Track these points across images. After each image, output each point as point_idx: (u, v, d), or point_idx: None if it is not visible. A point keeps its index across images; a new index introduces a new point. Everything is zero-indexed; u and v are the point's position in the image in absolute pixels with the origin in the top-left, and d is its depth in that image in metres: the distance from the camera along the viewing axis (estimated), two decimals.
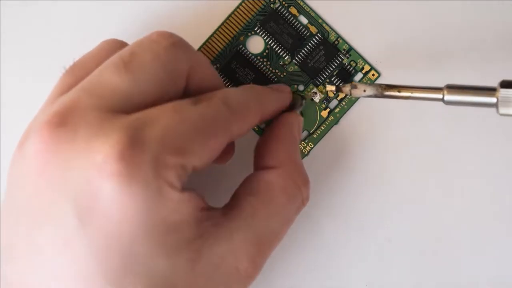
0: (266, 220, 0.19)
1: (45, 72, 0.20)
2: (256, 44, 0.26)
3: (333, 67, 0.25)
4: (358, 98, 0.25)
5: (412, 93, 0.21)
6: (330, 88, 0.23)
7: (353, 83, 0.22)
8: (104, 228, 0.16)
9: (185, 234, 0.17)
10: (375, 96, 0.21)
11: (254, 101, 0.21)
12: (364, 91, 0.22)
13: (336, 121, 0.26)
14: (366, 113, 0.26)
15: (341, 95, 0.25)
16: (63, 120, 0.16)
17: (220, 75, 0.25)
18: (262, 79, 0.25)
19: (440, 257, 0.25)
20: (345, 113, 0.26)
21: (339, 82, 0.25)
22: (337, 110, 0.26)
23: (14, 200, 0.17)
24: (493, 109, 0.20)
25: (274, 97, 0.22)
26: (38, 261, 0.16)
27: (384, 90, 0.21)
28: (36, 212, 0.16)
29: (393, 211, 0.25)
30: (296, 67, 0.25)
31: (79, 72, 0.19)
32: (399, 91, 0.21)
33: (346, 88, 0.22)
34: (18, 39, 0.26)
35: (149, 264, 0.16)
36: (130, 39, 0.21)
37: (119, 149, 0.16)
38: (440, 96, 0.20)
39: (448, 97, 0.20)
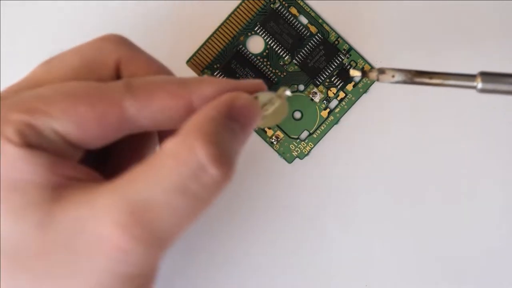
0: (145, 186, 0.17)
1: None
2: (256, 44, 0.26)
3: (333, 67, 0.25)
4: (361, 96, 0.25)
5: (444, 80, 0.20)
6: (356, 73, 0.21)
7: (381, 68, 0.21)
8: None
9: (32, 196, 0.16)
10: (404, 82, 0.20)
11: (171, 83, 0.18)
12: (393, 76, 0.20)
13: (336, 121, 0.26)
14: (367, 113, 0.26)
15: (341, 95, 0.25)
16: None
17: (220, 75, 0.25)
18: (262, 79, 0.25)
19: (440, 257, 0.25)
20: (345, 113, 0.26)
21: (340, 82, 0.25)
22: (337, 110, 0.26)
23: None
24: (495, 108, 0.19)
25: (210, 82, 0.19)
26: None
27: (414, 77, 0.20)
28: None
29: (394, 211, 0.25)
30: (296, 67, 0.25)
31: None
32: (430, 78, 0.20)
33: (373, 74, 0.21)
34: (18, 39, 0.26)
35: None
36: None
37: None
38: (474, 84, 0.19)
39: (483, 85, 0.19)
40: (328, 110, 0.26)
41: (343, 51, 0.25)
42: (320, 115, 0.26)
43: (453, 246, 0.25)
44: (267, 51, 0.25)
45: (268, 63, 0.25)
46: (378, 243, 0.25)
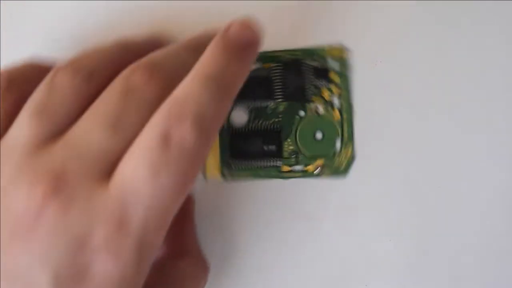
0: None
1: None
2: (239, 117, 0.25)
3: (308, 76, 0.25)
4: (349, 80, 0.25)
5: None
6: None
7: None
8: None
9: None
10: None
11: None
12: None
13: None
14: (366, 113, 0.25)
15: (335, 90, 0.25)
16: (57, 187, 0.16)
17: None
18: (266, 135, 0.25)
19: (440, 257, 0.25)
20: (349, 101, 0.25)
21: (324, 82, 0.25)
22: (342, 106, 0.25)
23: None
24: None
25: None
26: None
27: None
28: (11, 275, 0.16)
29: (394, 211, 0.25)
30: (283, 103, 0.25)
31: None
32: None
33: None
34: (18, 39, 0.25)
35: None
36: None
37: (110, 230, 0.16)
38: None
39: None
40: (337, 111, 0.25)
41: (300, 58, 0.25)
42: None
43: (454, 247, 0.25)
44: (252, 113, 0.25)
45: (260, 121, 0.25)
46: (379, 243, 0.25)
